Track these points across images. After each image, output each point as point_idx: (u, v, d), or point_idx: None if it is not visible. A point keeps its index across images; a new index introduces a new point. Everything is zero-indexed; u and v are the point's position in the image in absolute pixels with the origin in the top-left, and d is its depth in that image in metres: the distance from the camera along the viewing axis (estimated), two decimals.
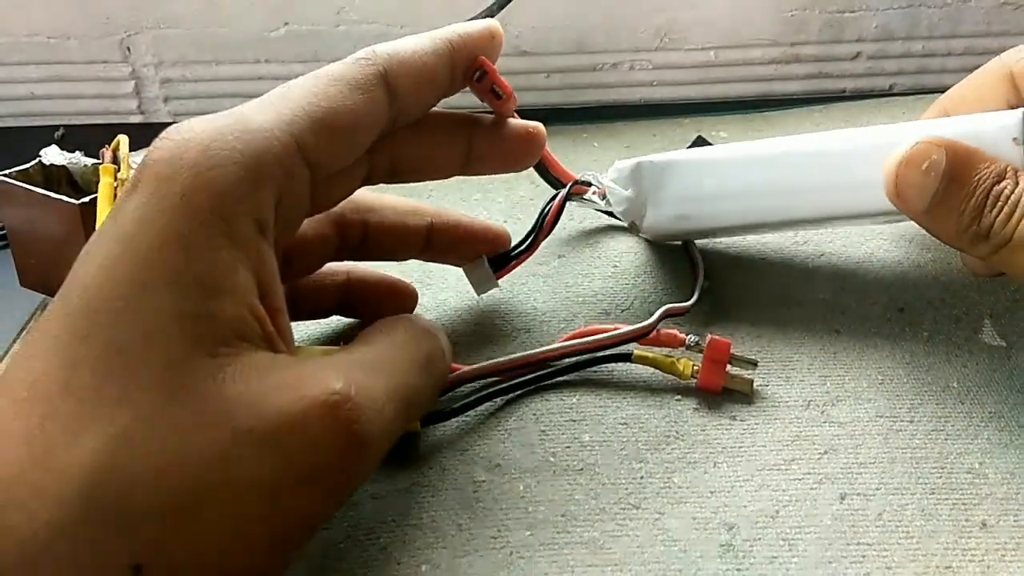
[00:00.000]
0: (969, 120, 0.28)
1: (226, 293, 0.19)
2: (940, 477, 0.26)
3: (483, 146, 0.28)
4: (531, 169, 0.31)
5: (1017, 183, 0.26)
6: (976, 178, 0.26)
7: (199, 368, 0.19)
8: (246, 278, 0.20)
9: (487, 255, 0.31)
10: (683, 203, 0.31)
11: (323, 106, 0.22)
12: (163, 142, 0.20)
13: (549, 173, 0.32)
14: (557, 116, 0.51)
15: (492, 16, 0.45)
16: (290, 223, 0.23)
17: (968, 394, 0.28)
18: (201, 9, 0.48)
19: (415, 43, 0.25)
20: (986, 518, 0.25)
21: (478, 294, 0.31)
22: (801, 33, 0.51)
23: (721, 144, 0.32)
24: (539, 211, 0.32)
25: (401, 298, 0.31)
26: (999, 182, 0.26)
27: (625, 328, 0.29)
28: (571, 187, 0.32)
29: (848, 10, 0.51)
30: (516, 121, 0.28)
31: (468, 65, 0.26)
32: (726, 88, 0.53)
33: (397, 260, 0.31)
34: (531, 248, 0.31)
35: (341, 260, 0.29)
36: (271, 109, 0.21)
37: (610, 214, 0.35)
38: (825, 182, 0.29)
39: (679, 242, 0.34)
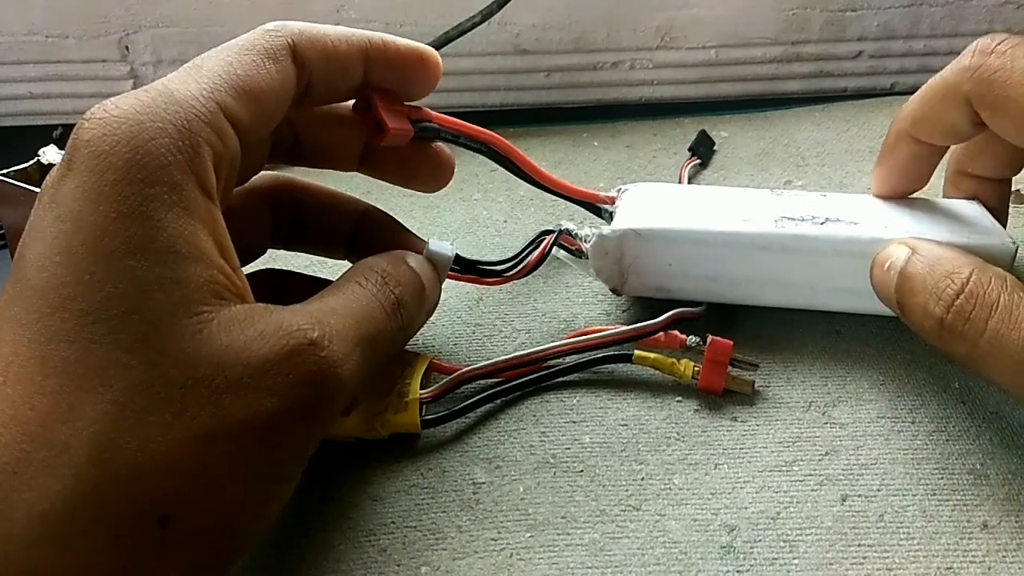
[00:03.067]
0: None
1: (195, 258, 0.20)
2: (941, 478, 0.26)
3: (379, 150, 0.28)
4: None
5: (972, 280, 0.25)
6: (935, 276, 0.25)
7: (184, 327, 0.19)
8: (208, 242, 0.21)
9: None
10: (665, 278, 0.30)
11: (239, 74, 0.22)
12: (91, 121, 0.20)
13: (523, 172, 0.31)
14: (557, 115, 0.51)
15: (492, 15, 0.45)
16: (228, 187, 0.23)
17: (969, 395, 0.28)
18: (199, 8, 0.48)
19: (328, 28, 0.25)
20: (987, 519, 0.24)
21: None
22: (802, 32, 0.51)
23: (710, 218, 0.30)
24: (524, 248, 0.31)
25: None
26: (952, 281, 0.25)
27: (630, 326, 0.29)
28: (558, 235, 0.31)
29: (849, 8, 0.51)
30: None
31: (388, 75, 0.26)
32: (727, 87, 0.53)
33: (328, 250, 0.30)
34: (502, 279, 0.31)
35: (275, 245, 0.29)
36: (190, 80, 0.22)
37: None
38: (814, 280, 0.29)
39: None
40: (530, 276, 0.33)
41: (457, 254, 0.29)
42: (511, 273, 0.31)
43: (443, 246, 0.29)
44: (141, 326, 0.19)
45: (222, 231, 0.21)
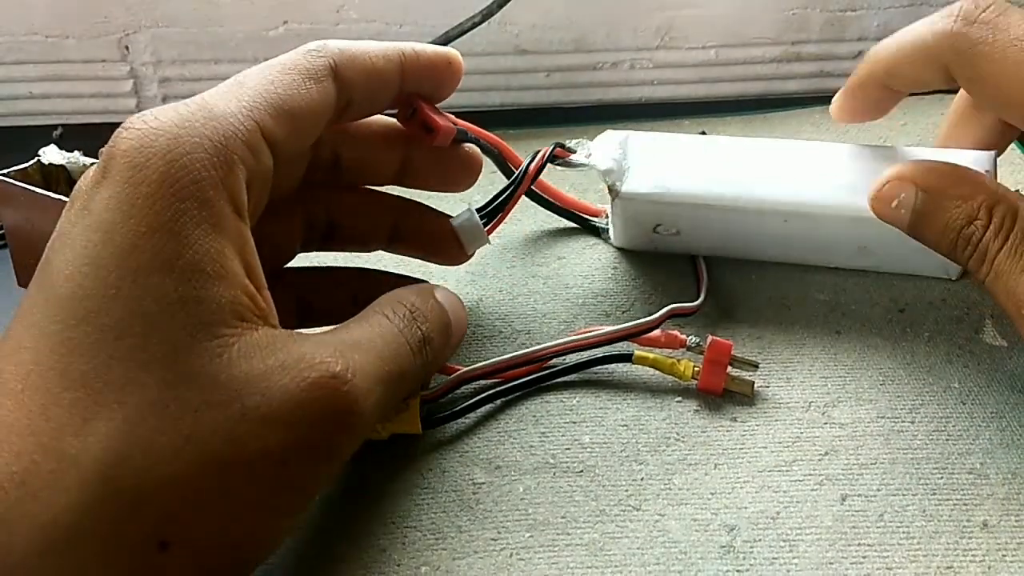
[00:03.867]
0: (943, 154, 0.29)
1: (220, 277, 0.20)
2: (941, 478, 0.26)
3: (419, 160, 0.29)
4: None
5: (988, 225, 0.25)
6: (946, 218, 0.26)
7: (204, 350, 0.19)
8: (234, 261, 0.21)
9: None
10: (663, 175, 0.32)
11: (279, 93, 0.22)
12: (129, 131, 0.20)
13: (507, 165, 0.32)
14: (557, 115, 0.51)
15: (492, 15, 0.45)
16: (258, 205, 0.23)
17: (969, 395, 0.28)
18: (200, 8, 0.48)
19: (366, 45, 0.25)
20: (987, 518, 0.25)
21: (468, 252, 0.31)
22: (802, 32, 0.51)
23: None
24: (522, 167, 0.31)
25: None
26: (968, 225, 0.25)
27: (628, 324, 0.29)
28: (554, 148, 0.32)
29: (849, 8, 0.51)
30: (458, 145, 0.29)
31: (421, 82, 0.26)
32: (727, 87, 0.53)
33: (366, 246, 0.31)
34: (513, 198, 0.31)
35: (308, 249, 0.30)
36: (230, 96, 0.22)
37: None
38: (804, 176, 0.31)
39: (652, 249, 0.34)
40: (531, 278, 0.33)
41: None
42: (519, 188, 0.31)
43: (464, 216, 0.30)
44: (161, 345, 0.19)
45: (250, 250, 0.21)
